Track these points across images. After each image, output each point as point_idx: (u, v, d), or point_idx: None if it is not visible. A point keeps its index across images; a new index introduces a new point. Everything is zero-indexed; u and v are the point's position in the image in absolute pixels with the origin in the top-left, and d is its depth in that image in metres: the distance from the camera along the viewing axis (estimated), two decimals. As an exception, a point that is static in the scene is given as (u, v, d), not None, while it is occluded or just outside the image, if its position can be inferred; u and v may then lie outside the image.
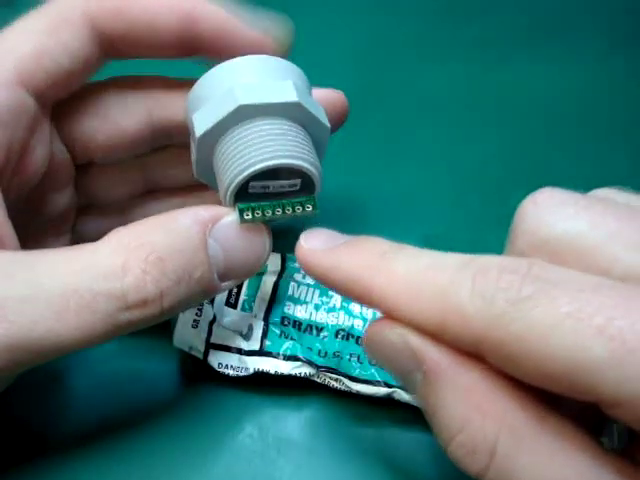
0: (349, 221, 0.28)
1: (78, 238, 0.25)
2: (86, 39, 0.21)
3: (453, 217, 0.29)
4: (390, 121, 0.34)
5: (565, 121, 0.34)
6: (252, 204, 0.19)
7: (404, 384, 0.16)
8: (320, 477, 0.21)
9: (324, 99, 0.23)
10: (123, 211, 0.26)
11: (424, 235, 0.28)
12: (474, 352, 0.14)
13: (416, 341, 0.15)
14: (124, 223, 0.26)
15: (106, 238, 0.18)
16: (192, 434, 0.22)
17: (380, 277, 0.16)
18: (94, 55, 0.21)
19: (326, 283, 0.18)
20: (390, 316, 0.16)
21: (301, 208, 0.19)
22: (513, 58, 0.38)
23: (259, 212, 0.19)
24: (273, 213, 0.19)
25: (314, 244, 0.18)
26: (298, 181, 0.19)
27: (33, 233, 0.21)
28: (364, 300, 0.16)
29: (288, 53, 0.22)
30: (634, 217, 0.14)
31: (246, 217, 0.19)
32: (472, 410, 0.14)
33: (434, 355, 0.15)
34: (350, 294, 0.17)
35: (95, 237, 0.26)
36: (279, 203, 0.19)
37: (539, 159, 0.32)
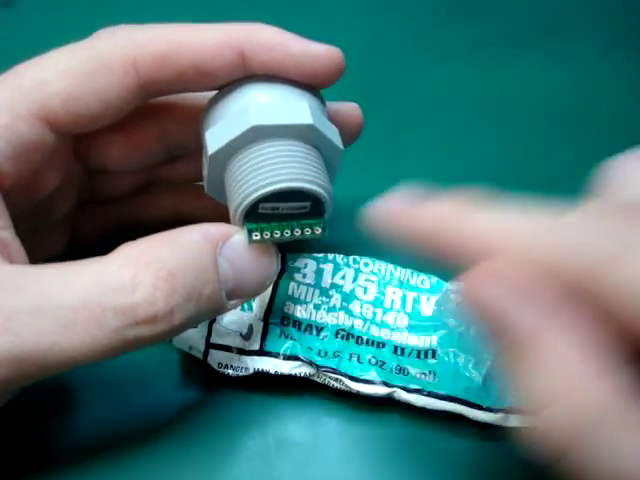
0: (349, 221, 0.28)
1: (73, 231, 0.25)
2: (124, 89, 0.20)
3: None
4: (390, 121, 0.34)
5: (565, 121, 0.34)
6: (261, 225, 0.19)
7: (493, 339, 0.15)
8: (320, 477, 0.21)
9: (340, 113, 0.23)
10: (120, 203, 0.26)
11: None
12: (570, 297, 0.13)
13: (513, 304, 0.13)
14: (120, 216, 0.26)
15: (115, 252, 0.18)
16: (192, 434, 0.22)
17: (471, 220, 0.15)
18: (131, 102, 0.20)
19: (411, 235, 0.17)
20: (482, 271, 0.14)
21: (310, 230, 0.19)
22: (513, 58, 0.38)
23: (268, 233, 0.19)
24: (282, 234, 0.19)
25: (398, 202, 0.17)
26: (308, 204, 0.19)
27: (32, 233, 0.21)
28: (450, 246, 0.15)
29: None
30: None
31: (255, 237, 0.19)
32: (565, 385, 0.13)
33: (530, 322, 0.13)
34: (437, 243, 0.16)
35: (91, 230, 0.26)
36: (288, 224, 0.19)
37: (539, 159, 0.32)
